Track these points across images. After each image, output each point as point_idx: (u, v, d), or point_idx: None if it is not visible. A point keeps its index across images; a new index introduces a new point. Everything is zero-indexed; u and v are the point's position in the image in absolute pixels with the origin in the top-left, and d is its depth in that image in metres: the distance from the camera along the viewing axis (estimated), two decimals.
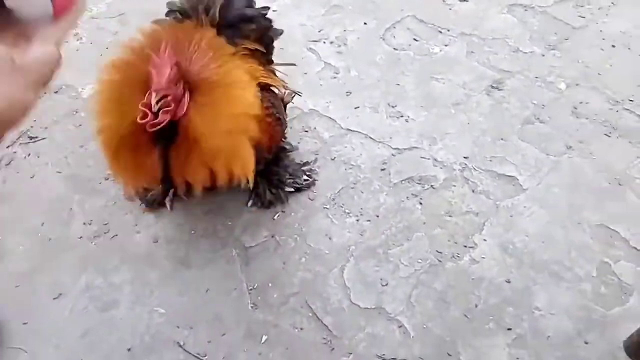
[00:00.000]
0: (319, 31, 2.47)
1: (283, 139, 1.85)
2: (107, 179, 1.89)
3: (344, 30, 2.47)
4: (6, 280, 1.63)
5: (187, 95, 1.29)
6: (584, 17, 2.50)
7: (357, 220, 1.80)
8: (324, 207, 1.83)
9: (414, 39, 2.43)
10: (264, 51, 1.65)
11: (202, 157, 1.34)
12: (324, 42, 2.42)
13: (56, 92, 2.18)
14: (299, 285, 1.63)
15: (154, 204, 1.79)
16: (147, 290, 1.62)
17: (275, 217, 1.80)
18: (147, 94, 1.22)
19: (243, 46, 1.52)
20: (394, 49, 2.39)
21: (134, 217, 1.79)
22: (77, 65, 2.30)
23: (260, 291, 1.62)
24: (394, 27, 2.49)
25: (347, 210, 1.83)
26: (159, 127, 1.23)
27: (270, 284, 1.63)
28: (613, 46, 2.37)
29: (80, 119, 2.09)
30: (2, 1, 0.65)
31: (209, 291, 1.62)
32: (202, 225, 1.76)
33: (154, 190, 1.75)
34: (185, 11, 1.57)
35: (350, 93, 2.20)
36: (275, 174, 1.80)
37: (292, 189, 1.83)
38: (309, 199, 1.85)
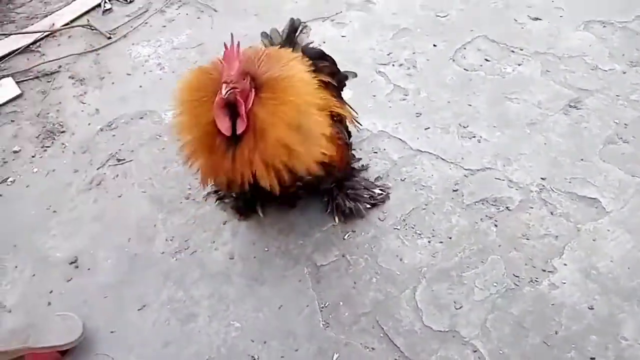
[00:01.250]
0: (388, 54, 2.50)
1: (352, 161, 1.91)
2: (188, 199, 1.99)
3: (413, 53, 2.49)
4: (96, 291, 1.74)
5: (253, 91, 1.39)
6: None
7: (429, 242, 1.78)
8: (395, 228, 1.83)
9: (486, 59, 2.41)
10: (336, 85, 1.77)
11: (267, 151, 1.41)
12: (393, 65, 2.45)
13: (141, 117, 2.33)
14: (370, 305, 1.63)
15: (240, 209, 1.89)
16: (223, 305, 1.67)
17: (346, 237, 1.82)
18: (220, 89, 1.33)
19: (318, 78, 1.58)
20: (465, 69, 2.38)
21: (212, 234, 1.86)
22: (160, 93, 2.46)
23: (332, 309, 1.63)
24: (464, 48, 2.47)
25: (418, 232, 1.81)
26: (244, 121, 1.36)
27: (341, 303, 1.64)
28: None
29: (163, 142, 2.22)
30: None
31: (282, 307, 1.65)
32: (275, 244, 1.81)
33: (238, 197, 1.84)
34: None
35: (420, 114, 2.20)
36: (351, 188, 1.85)
37: (369, 204, 1.87)
38: (379, 219, 1.86)
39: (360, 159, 2.04)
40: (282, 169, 1.44)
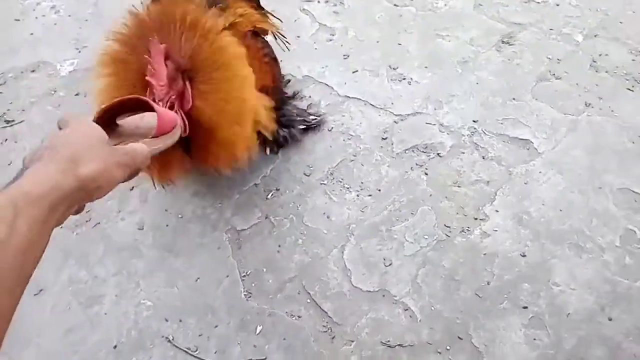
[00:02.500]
0: None
1: (281, 82, 1.78)
2: None
3: None
4: None
5: (188, 86, 1.25)
6: None
7: (358, 196, 1.66)
8: (322, 183, 1.69)
9: None
10: None
11: (219, 145, 1.33)
12: (319, 2, 2.25)
13: (33, 70, 2.05)
14: (296, 269, 1.51)
15: None
16: (132, 283, 1.51)
17: (269, 196, 1.67)
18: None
19: None
20: (395, 5, 2.21)
21: (118, 202, 1.67)
22: (55, 40, 2.17)
23: (254, 278, 1.50)
24: None
25: (346, 185, 1.69)
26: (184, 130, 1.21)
27: (264, 270, 1.51)
28: None
29: (59, 99, 1.96)
30: (114, 118, 0.83)
31: (199, 280, 1.50)
32: (190, 209, 1.64)
33: None
34: None
35: (348, 56, 2.04)
36: (283, 116, 1.74)
37: (304, 126, 1.78)
38: (305, 174, 1.72)
39: (290, 80, 1.91)
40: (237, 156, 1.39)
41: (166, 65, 1.20)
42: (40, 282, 1.51)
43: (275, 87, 1.62)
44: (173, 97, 1.21)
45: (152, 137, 0.83)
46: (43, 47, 2.14)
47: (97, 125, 0.70)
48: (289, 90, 1.87)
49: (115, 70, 1.29)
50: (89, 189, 0.62)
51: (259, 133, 1.53)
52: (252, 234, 1.59)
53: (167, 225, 1.61)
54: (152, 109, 0.86)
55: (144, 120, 0.87)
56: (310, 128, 1.81)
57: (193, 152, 1.35)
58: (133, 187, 1.70)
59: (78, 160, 0.61)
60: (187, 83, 1.25)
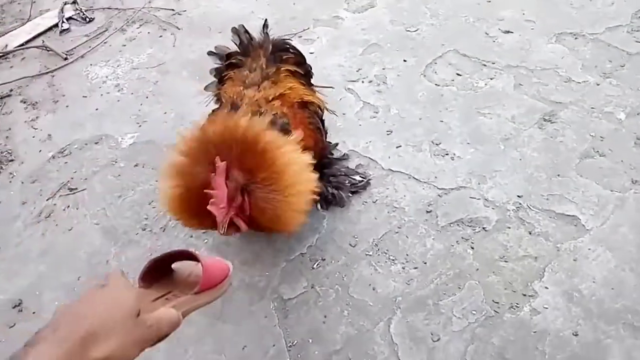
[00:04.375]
0: (357, 70, 2.42)
1: (326, 150, 1.86)
2: (144, 230, 1.85)
3: (383, 69, 2.41)
4: None
5: (247, 199, 1.34)
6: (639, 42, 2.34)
7: (403, 268, 1.67)
8: (367, 254, 1.72)
9: (457, 74, 2.34)
10: (302, 73, 1.77)
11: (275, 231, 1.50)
12: (362, 82, 2.36)
13: (96, 142, 2.20)
14: (342, 341, 1.51)
15: None
16: (182, 348, 1.53)
17: (315, 265, 1.70)
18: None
19: (285, 68, 1.67)
20: (436, 84, 2.30)
21: None
22: (118, 115, 2.33)
23: (301, 348, 1.50)
24: (435, 63, 2.40)
25: (391, 257, 1.70)
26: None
27: (310, 340, 1.52)
28: None
29: (119, 169, 2.08)
30: (170, 263, 0.82)
31: (246, 348, 1.51)
32: (238, 276, 1.68)
33: None
34: (242, 51, 1.72)
35: (391, 132, 2.11)
36: (332, 175, 1.87)
37: (350, 192, 1.88)
38: (350, 245, 1.74)
39: (337, 144, 2.00)
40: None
41: (226, 184, 1.28)
42: None
43: (317, 153, 1.66)
44: (233, 214, 1.30)
45: (197, 293, 0.80)
46: (106, 122, 2.30)
47: (131, 292, 0.67)
48: (337, 154, 1.97)
49: (180, 182, 1.37)
50: None
51: None
52: (298, 303, 1.60)
53: None
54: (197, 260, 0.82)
55: (197, 269, 0.84)
56: (358, 189, 1.89)
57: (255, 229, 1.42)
58: None
59: (93, 341, 0.57)
60: (246, 197, 1.34)
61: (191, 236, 1.81)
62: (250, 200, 1.34)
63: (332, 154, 1.96)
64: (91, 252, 1.80)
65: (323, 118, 1.81)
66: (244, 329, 1.55)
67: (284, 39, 1.77)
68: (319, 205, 1.85)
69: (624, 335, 1.45)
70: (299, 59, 1.78)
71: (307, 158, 1.43)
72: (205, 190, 1.28)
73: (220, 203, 1.26)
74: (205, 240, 1.79)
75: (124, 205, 1.94)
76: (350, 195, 1.88)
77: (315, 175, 1.44)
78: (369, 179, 1.92)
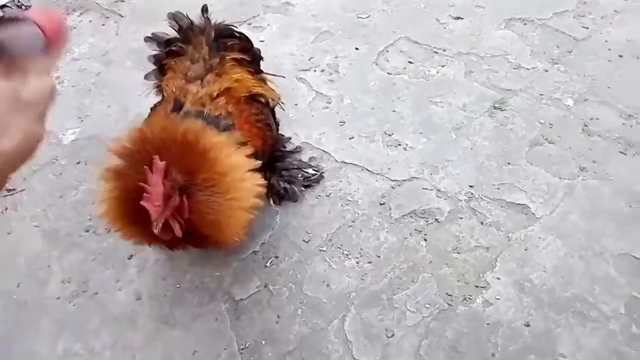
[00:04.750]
0: (309, 59, 2.36)
1: (277, 143, 1.81)
2: (88, 232, 1.77)
3: (335, 57, 2.36)
4: None
5: (185, 200, 1.27)
6: (587, 28, 2.37)
7: (357, 263, 1.65)
8: (320, 250, 1.69)
9: (409, 62, 2.31)
10: (250, 60, 1.68)
11: (215, 243, 1.39)
12: (315, 71, 2.31)
13: None
14: (296, 341, 1.48)
15: None
16: (128, 355, 1.47)
17: (268, 264, 1.66)
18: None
19: (230, 57, 1.58)
20: (388, 73, 2.27)
21: (116, 272, 1.65)
22: (58, 110, 2.19)
23: (253, 350, 1.47)
24: (387, 51, 2.37)
25: (345, 252, 1.68)
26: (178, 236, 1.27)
27: (263, 342, 1.48)
28: (620, 56, 2.24)
29: (60, 167, 1.97)
30: None
31: (196, 353, 1.47)
32: (187, 278, 1.63)
33: None
34: (182, 38, 1.62)
35: (344, 123, 2.08)
36: (284, 169, 1.83)
37: (303, 186, 1.84)
38: (304, 240, 1.71)
39: (290, 138, 1.95)
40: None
41: (164, 183, 1.23)
42: (33, 356, 1.47)
43: (267, 150, 1.65)
44: (169, 215, 1.24)
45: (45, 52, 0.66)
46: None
47: None
48: (289, 147, 1.92)
49: (118, 185, 1.31)
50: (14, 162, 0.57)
51: None
52: (250, 304, 1.56)
53: (164, 295, 1.59)
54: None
55: (23, 31, 0.66)
56: (312, 183, 1.85)
57: (191, 240, 1.36)
58: (132, 255, 1.69)
59: None
60: (185, 198, 1.27)
61: None
62: (190, 203, 1.27)
63: (285, 147, 1.91)
64: (31, 257, 1.71)
65: (274, 110, 1.76)
66: (194, 333, 1.50)
67: (227, 24, 1.68)
68: (271, 201, 1.81)
69: (574, 323, 1.48)
70: (245, 45, 1.69)
71: (252, 161, 1.37)
72: (140, 184, 1.21)
73: (155, 200, 1.20)
74: None
75: (66, 205, 1.84)
76: (304, 189, 1.84)
77: (261, 180, 1.39)
78: (322, 172, 1.89)
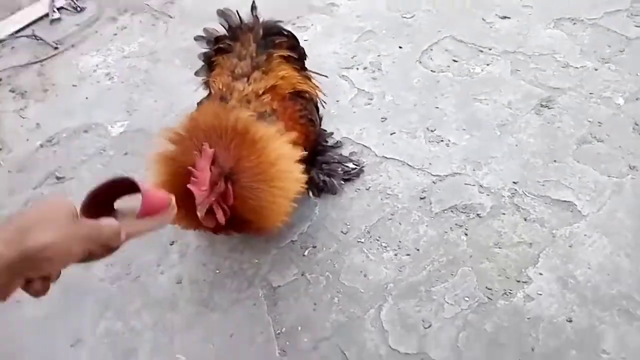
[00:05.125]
0: (352, 57, 2.38)
1: (319, 138, 1.82)
2: None
3: (378, 56, 2.37)
4: (24, 326, 1.56)
5: (230, 188, 1.31)
6: (639, 27, 2.29)
7: (396, 255, 1.64)
8: (359, 241, 1.68)
9: (453, 60, 2.29)
10: (296, 57, 1.72)
11: (257, 230, 1.42)
12: (357, 69, 2.32)
13: (85, 131, 2.17)
14: (332, 328, 1.48)
15: None
16: (168, 337, 1.50)
17: (306, 253, 1.67)
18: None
19: (277, 54, 1.61)
20: (432, 71, 2.26)
21: (158, 256, 1.70)
22: (108, 104, 2.30)
23: (289, 336, 1.47)
24: (431, 49, 2.36)
25: (384, 244, 1.67)
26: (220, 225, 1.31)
27: (299, 328, 1.49)
28: None
29: (108, 157, 2.05)
30: (111, 197, 0.79)
31: (234, 336, 1.49)
32: (227, 264, 1.65)
33: None
34: (230, 35, 1.68)
35: (386, 119, 2.07)
36: (324, 163, 1.83)
37: (343, 180, 1.84)
38: (342, 232, 1.71)
39: (332, 133, 1.96)
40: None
41: (211, 170, 1.25)
42: (77, 333, 1.52)
43: (309, 145, 1.65)
44: (214, 200, 1.27)
45: (138, 218, 0.77)
46: (96, 110, 2.27)
47: (69, 201, 0.68)
48: (330, 141, 1.93)
49: (167, 169, 1.34)
50: (36, 259, 0.60)
51: None
52: (287, 291, 1.57)
53: (204, 280, 1.62)
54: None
55: (130, 199, 0.81)
56: (351, 176, 1.85)
57: (233, 226, 1.38)
58: (173, 242, 1.73)
59: (28, 231, 0.59)
60: (230, 185, 1.30)
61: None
62: (234, 190, 1.30)
63: (327, 142, 1.92)
64: None
65: (317, 105, 1.77)
66: (232, 317, 1.52)
67: (276, 21, 1.71)
68: (310, 193, 1.82)
69: (619, 321, 1.42)
70: (292, 42, 1.72)
71: (297, 152, 1.39)
72: (188, 167, 1.24)
73: (201, 185, 1.23)
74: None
75: None
76: (343, 182, 1.84)
77: (303, 174, 1.41)
78: (363, 167, 1.89)
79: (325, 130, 1.91)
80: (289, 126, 1.49)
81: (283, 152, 1.38)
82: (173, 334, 1.51)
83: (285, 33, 1.72)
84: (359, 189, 1.84)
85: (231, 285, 1.60)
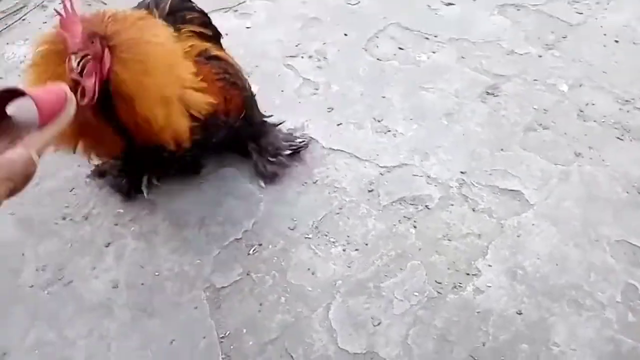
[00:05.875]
0: (297, 46, 2.30)
1: (252, 110, 1.75)
2: (65, 219, 1.69)
3: (324, 44, 2.30)
4: None
5: (107, 52, 1.23)
6: (581, 13, 2.32)
7: (344, 250, 1.59)
8: (306, 237, 1.62)
9: (399, 48, 2.25)
10: (211, 35, 1.66)
11: (143, 121, 1.32)
12: (302, 57, 2.25)
13: None
14: (278, 330, 1.42)
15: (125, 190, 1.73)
16: (104, 345, 1.40)
17: (251, 251, 1.59)
18: (67, 60, 1.18)
19: (188, 29, 1.53)
20: (378, 59, 2.21)
21: (93, 259, 1.58)
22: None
23: (234, 339, 1.40)
24: (377, 37, 2.31)
25: (332, 239, 1.62)
26: (92, 96, 1.21)
27: (244, 330, 1.42)
28: (616, 41, 2.19)
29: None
30: (4, 109, 0.72)
31: (174, 342, 1.40)
32: (167, 266, 1.56)
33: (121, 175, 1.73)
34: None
35: (332, 109, 2.01)
36: (269, 145, 1.79)
37: (290, 151, 1.80)
38: (289, 228, 1.65)
39: (272, 115, 1.88)
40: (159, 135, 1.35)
41: (82, 23, 1.19)
42: (4, 345, 1.40)
43: (233, 111, 1.60)
44: (89, 57, 1.19)
45: (40, 127, 0.70)
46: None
47: None
48: (271, 120, 1.88)
49: (45, 63, 1.28)
50: None
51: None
52: (232, 292, 1.50)
53: (142, 284, 1.52)
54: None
55: (24, 108, 0.73)
56: (297, 151, 1.81)
57: (120, 121, 1.32)
58: (109, 243, 1.62)
59: None
60: (107, 50, 1.23)
61: (116, 224, 1.67)
62: (112, 56, 1.23)
63: (265, 120, 1.86)
64: (5, 245, 1.63)
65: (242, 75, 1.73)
66: (173, 322, 1.44)
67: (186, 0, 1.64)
68: (262, 182, 1.76)
69: (569, 312, 1.42)
70: (204, 19, 1.65)
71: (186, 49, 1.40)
72: (57, 29, 1.19)
73: (74, 36, 1.16)
74: (132, 229, 1.66)
75: (41, 192, 1.76)
76: (290, 158, 1.80)
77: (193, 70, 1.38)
78: (309, 141, 1.86)
79: (265, 112, 1.86)
80: (206, 88, 1.44)
81: (167, 36, 1.36)
82: (109, 342, 1.40)
83: (196, 9, 1.64)
84: (305, 183, 1.78)
85: (171, 289, 1.51)
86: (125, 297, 1.50)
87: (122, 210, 1.70)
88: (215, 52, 1.57)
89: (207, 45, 1.57)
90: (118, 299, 1.49)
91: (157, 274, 1.54)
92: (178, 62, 1.36)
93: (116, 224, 1.67)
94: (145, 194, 1.71)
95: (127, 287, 1.52)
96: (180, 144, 1.40)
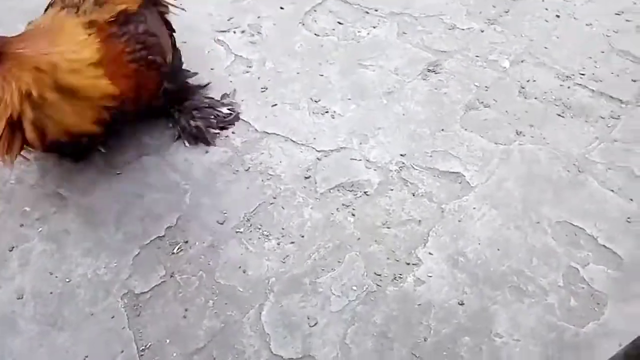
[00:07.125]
0: (229, 20, 2.13)
1: (173, 81, 1.67)
2: None
3: (258, 17, 2.14)
4: None
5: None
6: None
7: (279, 244, 1.48)
8: (237, 232, 1.50)
9: (338, 22, 2.12)
10: None
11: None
12: (234, 32, 2.08)
13: None
14: (205, 337, 1.29)
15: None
16: None
17: (175, 250, 1.45)
18: None
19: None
20: (316, 34, 2.07)
21: None
22: None
23: (155, 351, 1.27)
24: (315, 11, 2.17)
25: (265, 233, 1.50)
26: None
27: (168, 340, 1.29)
28: (557, 16, 2.13)
29: None
30: None
31: (87, 358, 1.26)
32: (79, 271, 1.40)
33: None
34: None
35: (266, 89, 1.87)
36: (194, 109, 1.72)
37: (217, 129, 1.72)
38: (218, 222, 1.52)
39: (197, 73, 1.80)
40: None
41: None
42: None
43: (146, 95, 1.52)
44: None
45: None
46: None
47: None
48: (195, 82, 1.81)
49: None
50: None
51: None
52: (153, 297, 1.36)
53: (51, 293, 1.36)
54: None
55: None
56: (226, 124, 1.74)
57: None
58: (13, 247, 1.44)
59: None
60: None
61: (22, 225, 1.49)
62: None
63: (188, 82, 1.78)
64: None
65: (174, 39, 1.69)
66: (85, 335, 1.29)
67: None
68: (186, 142, 1.69)
69: (510, 299, 1.36)
70: None
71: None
72: None
73: None
74: (40, 229, 1.48)
75: None
76: (219, 131, 1.72)
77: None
78: (238, 113, 1.76)
79: (189, 71, 1.80)
80: (113, 72, 1.34)
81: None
82: None
83: None
84: (237, 171, 1.64)
85: (84, 297, 1.35)
86: (32, 308, 1.33)
87: (28, 209, 1.52)
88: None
89: (125, 4, 1.44)
90: (23, 311, 1.33)
91: (67, 280, 1.38)
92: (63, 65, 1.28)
93: (22, 225, 1.49)
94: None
95: (34, 296, 1.35)
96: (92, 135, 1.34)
